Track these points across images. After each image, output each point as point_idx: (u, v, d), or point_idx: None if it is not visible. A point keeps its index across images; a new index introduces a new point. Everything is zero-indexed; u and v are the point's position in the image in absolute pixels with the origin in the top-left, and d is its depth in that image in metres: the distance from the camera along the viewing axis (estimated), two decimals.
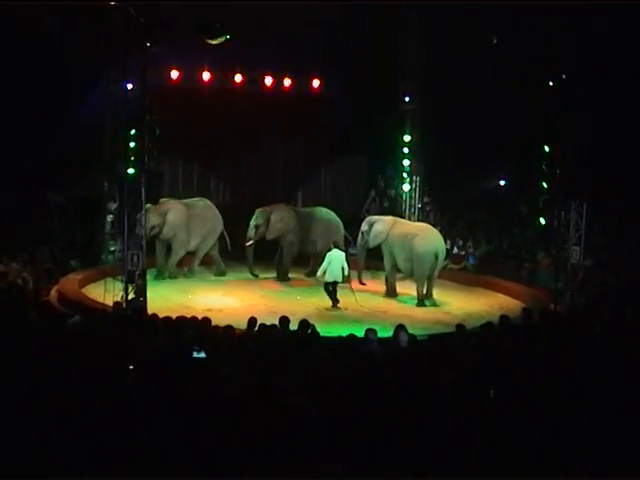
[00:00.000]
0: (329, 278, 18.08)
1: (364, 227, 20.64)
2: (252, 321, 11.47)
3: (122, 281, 15.78)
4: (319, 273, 18.40)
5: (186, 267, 21.58)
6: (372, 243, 20.23)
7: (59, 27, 17.45)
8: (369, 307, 18.13)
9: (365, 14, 20.22)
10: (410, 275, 19.88)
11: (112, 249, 20.59)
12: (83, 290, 18.14)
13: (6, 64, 19.29)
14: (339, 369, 7.97)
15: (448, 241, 23.77)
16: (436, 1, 19.47)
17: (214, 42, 15.64)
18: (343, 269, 18.05)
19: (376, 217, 21.18)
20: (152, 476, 4.81)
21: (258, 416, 5.20)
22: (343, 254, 18.55)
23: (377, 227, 20.40)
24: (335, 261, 18.14)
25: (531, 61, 18.16)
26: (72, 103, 20.89)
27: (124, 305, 15.06)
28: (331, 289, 18.13)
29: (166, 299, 17.83)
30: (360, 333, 10.78)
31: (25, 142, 21.48)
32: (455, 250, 23.64)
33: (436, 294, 19.73)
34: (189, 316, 11.40)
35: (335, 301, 18.11)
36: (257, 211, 21.58)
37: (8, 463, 4.90)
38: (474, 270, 22.74)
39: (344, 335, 10.09)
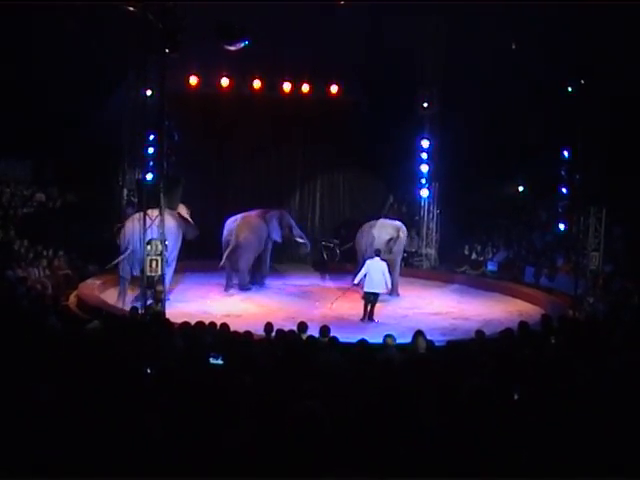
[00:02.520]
0: (369, 288, 17.46)
1: (393, 233, 20.53)
2: (268, 326, 11.47)
3: (141, 286, 15.83)
4: (356, 279, 17.87)
5: None
6: (401, 249, 20.46)
7: (79, 33, 17.55)
8: (386, 312, 18.10)
9: (383, 19, 20.18)
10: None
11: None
12: (102, 295, 18.21)
13: (25, 69, 19.47)
14: (357, 375, 7.95)
15: (467, 246, 23.79)
16: (455, 2, 19.41)
17: (233, 48, 15.69)
18: (385, 279, 17.59)
19: (396, 222, 21.28)
20: (165, 478, 4.82)
21: (274, 422, 5.19)
22: (384, 263, 17.77)
23: (404, 232, 20.68)
24: (374, 270, 17.47)
25: (549, 66, 18.09)
26: (91, 109, 21.00)
27: (142, 310, 15.09)
28: (371, 300, 17.42)
29: (184, 304, 17.88)
30: (378, 339, 10.77)
31: (44, 147, 21.67)
32: (474, 256, 23.62)
33: (455, 300, 19.91)
34: (208, 322, 11.41)
35: (368, 314, 17.37)
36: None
37: (26, 466, 4.92)
38: (493, 276, 22.69)
39: (362, 341, 10.07)
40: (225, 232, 20.58)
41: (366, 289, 17.47)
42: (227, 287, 20.63)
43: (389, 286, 18.04)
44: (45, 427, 5.36)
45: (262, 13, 18.40)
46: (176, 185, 18.83)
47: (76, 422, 5.44)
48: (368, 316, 17.34)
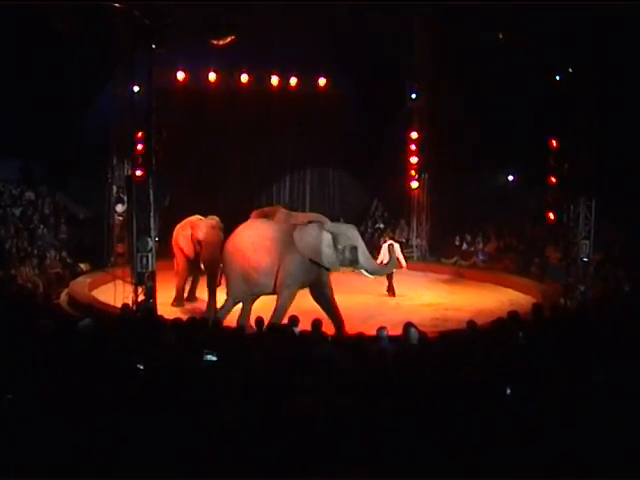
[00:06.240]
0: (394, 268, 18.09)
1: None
2: (259, 320, 11.42)
3: (132, 283, 15.80)
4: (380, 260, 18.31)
5: None
6: None
7: (66, 30, 17.45)
8: (378, 304, 18.11)
9: (371, 11, 20.13)
10: None
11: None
12: (93, 293, 18.18)
13: (12, 68, 19.38)
14: (350, 368, 7.95)
15: (457, 237, 23.80)
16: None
17: (220, 42, 15.63)
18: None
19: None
20: (161, 477, 4.81)
21: (269, 417, 5.19)
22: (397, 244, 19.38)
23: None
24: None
25: (538, 56, 18.07)
26: (79, 106, 20.93)
27: (134, 307, 15.05)
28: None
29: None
30: (370, 331, 10.76)
31: (32, 145, 21.58)
32: (464, 246, 23.63)
33: (447, 290, 19.92)
34: (199, 317, 11.38)
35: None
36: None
37: (21, 465, 4.92)
38: (484, 266, 22.72)
39: (355, 333, 10.06)
40: None
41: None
42: None
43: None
44: (37, 426, 5.36)
45: (248, 7, 18.35)
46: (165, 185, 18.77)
47: (69, 419, 5.43)
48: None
